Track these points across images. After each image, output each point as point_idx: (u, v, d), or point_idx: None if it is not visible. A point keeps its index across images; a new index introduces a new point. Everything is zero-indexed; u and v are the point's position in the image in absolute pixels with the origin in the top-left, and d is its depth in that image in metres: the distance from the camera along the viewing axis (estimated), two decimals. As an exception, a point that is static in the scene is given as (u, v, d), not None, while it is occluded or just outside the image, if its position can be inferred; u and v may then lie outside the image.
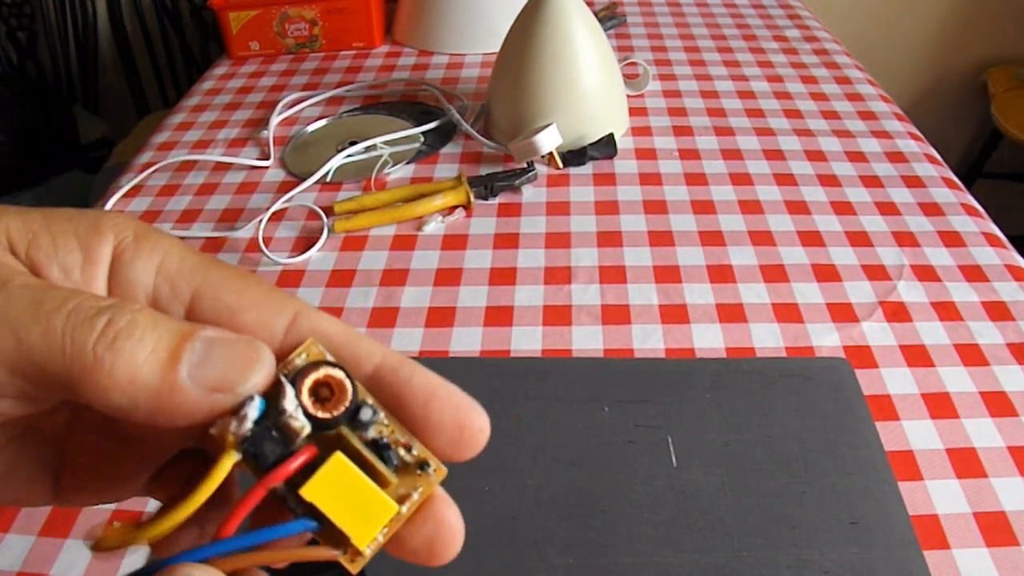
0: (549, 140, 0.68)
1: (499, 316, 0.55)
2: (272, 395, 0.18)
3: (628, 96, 0.79)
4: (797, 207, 0.65)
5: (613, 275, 0.58)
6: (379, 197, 0.66)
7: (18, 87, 1.50)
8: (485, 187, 0.67)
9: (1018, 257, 0.59)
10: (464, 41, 0.95)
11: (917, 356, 0.51)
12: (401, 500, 0.18)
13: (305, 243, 0.63)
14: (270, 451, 0.17)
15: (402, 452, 0.19)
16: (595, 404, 0.48)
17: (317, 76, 0.91)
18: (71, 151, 1.52)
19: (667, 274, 0.58)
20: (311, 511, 0.18)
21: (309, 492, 0.17)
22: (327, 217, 0.64)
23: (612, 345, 0.52)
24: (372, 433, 0.19)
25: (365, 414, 0.18)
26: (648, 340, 0.53)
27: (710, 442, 0.45)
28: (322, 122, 0.81)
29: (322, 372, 0.18)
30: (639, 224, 0.64)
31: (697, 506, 0.42)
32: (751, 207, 0.65)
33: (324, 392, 0.18)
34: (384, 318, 0.55)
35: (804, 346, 0.52)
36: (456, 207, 0.66)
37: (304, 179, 0.70)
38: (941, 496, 0.42)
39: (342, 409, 0.18)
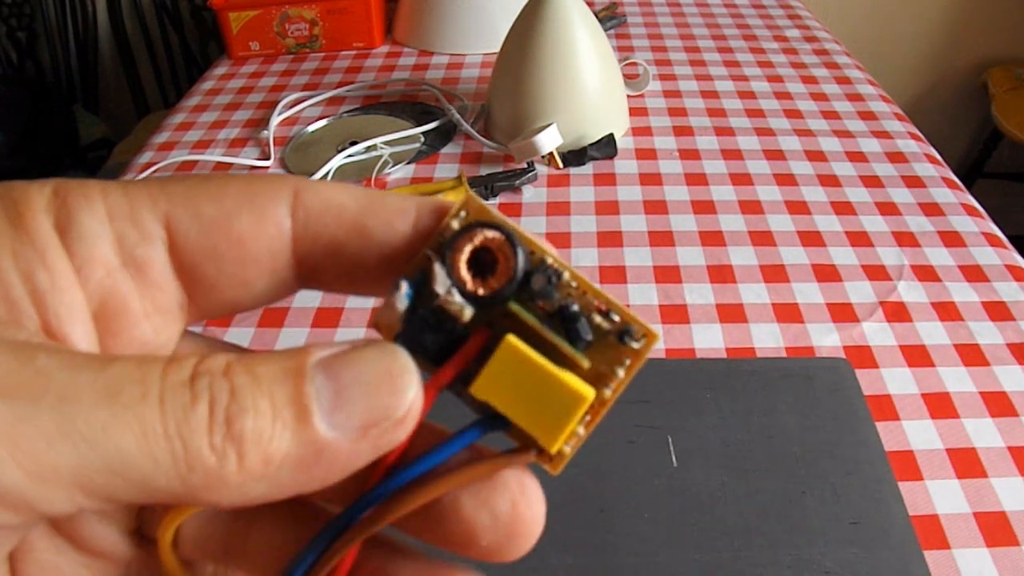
0: (549, 140, 0.68)
1: (499, 316, 0.55)
2: (424, 275, 0.15)
3: (628, 96, 0.79)
4: (797, 207, 0.65)
5: (613, 275, 0.58)
6: (379, 197, 0.66)
7: (18, 87, 1.50)
8: (485, 187, 0.67)
9: (1018, 257, 0.59)
10: (464, 41, 0.95)
11: (917, 356, 0.51)
12: (602, 380, 0.15)
13: (305, 243, 0.63)
14: (430, 344, 0.15)
15: (597, 319, 0.15)
16: (595, 404, 0.48)
17: (317, 76, 0.91)
18: (71, 151, 1.52)
19: (667, 274, 0.58)
20: (488, 411, 0.15)
21: (479, 390, 0.14)
22: (327, 217, 0.64)
23: (612, 345, 0.52)
24: (556, 301, 0.15)
25: (538, 282, 0.15)
26: (648, 340, 0.53)
27: (710, 442, 0.45)
28: (322, 122, 0.81)
29: (478, 238, 0.15)
30: (639, 224, 0.64)
31: (697, 506, 0.42)
32: (751, 207, 0.65)
33: (488, 258, 0.15)
34: (384, 318, 0.55)
35: (804, 346, 0.52)
36: (456, 207, 0.66)
37: (304, 179, 0.70)
38: (941, 496, 0.42)
39: (504, 281, 0.15)
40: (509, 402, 0.14)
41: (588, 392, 0.15)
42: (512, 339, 0.14)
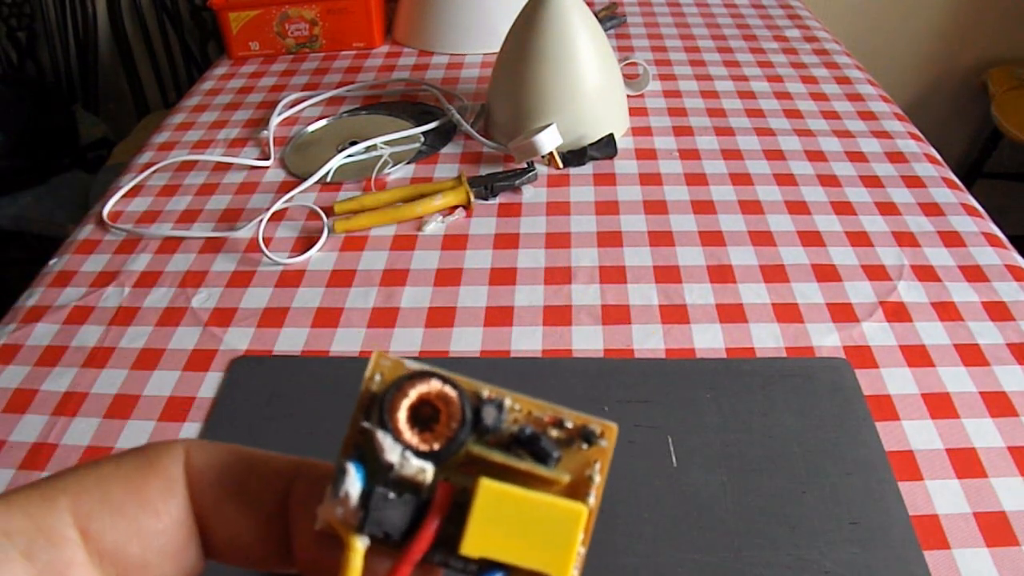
0: (549, 140, 0.68)
1: (499, 316, 0.55)
2: (366, 449, 0.14)
3: (628, 96, 0.79)
4: (797, 207, 0.65)
5: (613, 275, 0.58)
6: (379, 197, 0.66)
7: (18, 87, 1.50)
8: (485, 187, 0.67)
9: (1018, 257, 0.59)
10: (464, 41, 0.95)
11: (917, 356, 0.51)
12: (580, 490, 0.15)
13: (305, 243, 0.63)
14: (398, 519, 0.14)
15: (554, 432, 0.15)
16: (595, 404, 0.48)
17: (317, 76, 0.91)
18: (71, 151, 1.52)
19: (667, 274, 0.58)
20: (484, 564, 0.14)
21: (471, 547, 0.13)
22: (327, 217, 0.64)
23: (612, 345, 0.52)
24: (510, 429, 0.15)
25: (489, 417, 0.14)
26: (648, 340, 0.53)
27: (710, 442, 0.45)
28: (322, 122, 0.81)
29: (413, 395, 0.14)
30: (639, 224, 0.64)
31: (697, 506, 0.42)
32: (751, 207, 0.65)
33: (425, 411, 0.14)
34: (384, 318, 0.55)
35: (804, 346, 0.52)
36: (456, 207, 0.66)
37: (304, 179, 0.70)
38: (941, 496, 0.42)
39: (455, 427, 0.14)
40: (505, 547, 0.13)
41: (582, 508, 0.14)
42: (487, 482, 0.13)
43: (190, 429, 0.48)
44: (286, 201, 0.67)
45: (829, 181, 0.68)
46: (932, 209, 0.64)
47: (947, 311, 0.54)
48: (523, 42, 0.71)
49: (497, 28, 0.83)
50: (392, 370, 0.15)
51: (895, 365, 0.50)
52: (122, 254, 0.63)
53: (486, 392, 0.15)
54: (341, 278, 0.59)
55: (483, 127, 0.79)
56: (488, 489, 0.13)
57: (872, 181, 0.68)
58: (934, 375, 0.49)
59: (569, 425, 0.15)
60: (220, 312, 0.57)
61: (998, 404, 0.47)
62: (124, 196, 0.71)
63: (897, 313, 0.54)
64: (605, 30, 0.87)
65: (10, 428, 0.49)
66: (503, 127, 0.75)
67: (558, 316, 0.55)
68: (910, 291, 0.56)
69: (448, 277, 0.59)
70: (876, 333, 0.52)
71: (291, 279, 0.59)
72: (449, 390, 0.14)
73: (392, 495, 0.14)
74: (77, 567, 0.14)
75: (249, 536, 0.16)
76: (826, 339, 0.52)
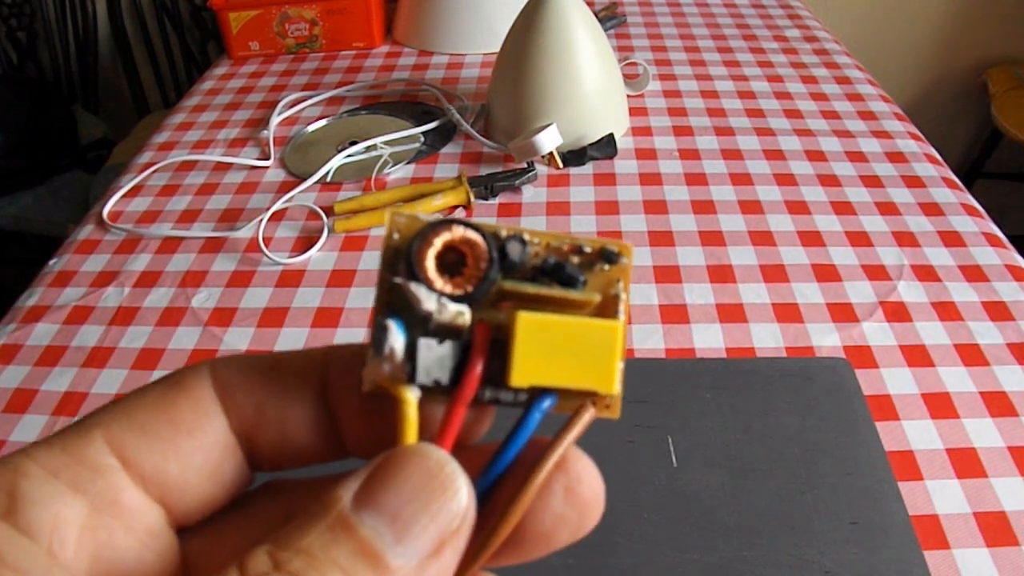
0: (549, 140, 0.68)
1: (499, 316, 0.55)
2: (401, 305, 0.14)
3: (628, 96, 0.79)
4: (797, 207, 0.65)
5: (613, 275, 0.58)
6: (379, 197, 0.66)
7: (18, 87, 1.50)
8: (485, 187, 0.67)
9: (1018, 257, 0.59)
10: (464, 41, 0.95)
11: (917, 356, 0.51)
12: (608, 308, 0.15)
13: (305, 243, 0.63)
14: (444, 366, 0.14)
15: (575, 259, 0.15)
16: (595, 404, 0.48)
17: (317, 76, 0.91)
18: (71, 151, 1.52)
19: (667, 274, 0.58)
20: (533, 393, 0.15)
21: (519, 378, 0.14)
22: (327, 217, 0.64)
23: (612, 345, 0.52)
24: (533, 262, 0.15)
25: (514, 252, 0.15)
26: (648, 340, 0.53)
27: (710, 442, 0.45)
28: (322, 122, 0.81)
29: (438, 243, 0.14)
30: (639, 224, 0.64)
31: (697, 506, 0.42)
32: (751, 207, 0.65)
33: (449, 257, 0.15)
34: (384, 318, 0.55)
35: (804, 346, 0.52)
36: (456, 207, 0.66)
37: (304, 179, 0.70)
38: (941, 496, 0.42)
39: (484, 267, 0.14)
40: (551, 373, 0.14)
41: (616, 323, 0.14)
42: (525, 314, 0.14)
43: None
44: (286, 201, 0.67)
45: (829, 181, 0.68)
46: (932, 209, 0.64)
47: (947, 311, 0.54)
48: (523, 42, 0.71)
49: (497, 28, 0.84)
50: (408, 225, 0.15)
51: (895, 365, 0.50)
52: (122, 254, 0.63)
53: (504, 232, 0.15)
54: (341, 278, 0.59)
55: (483, 127, 0.79)
56: (526, 320, 0.14)
57: (872, 181, 0.68)
58: (934, 375, 0.49)
59: (588, 250, 0.15)
60: (220, 312, 0.57)
61: (998, 404, 0.47)
62: (124, 196, 0.71)
63: (897, 313, 0.54)
64: (605, 30, 0.87)
65: (10, 428, 0.49)
66: (503, 127, 0.75)
67: (558, 316, 0.55)
68: (910, 291, 0.56)
69: (448, 277, 0.59)
70: (876, 333, 0.52)
71: (291, 279, 0.59)
72: (472, 233, 0.14)
73: (435, 342, 0.14)
74: (126, 492, 0.15)
75: (296, 433, 0.16)
76: (826, 339, 0.52)
